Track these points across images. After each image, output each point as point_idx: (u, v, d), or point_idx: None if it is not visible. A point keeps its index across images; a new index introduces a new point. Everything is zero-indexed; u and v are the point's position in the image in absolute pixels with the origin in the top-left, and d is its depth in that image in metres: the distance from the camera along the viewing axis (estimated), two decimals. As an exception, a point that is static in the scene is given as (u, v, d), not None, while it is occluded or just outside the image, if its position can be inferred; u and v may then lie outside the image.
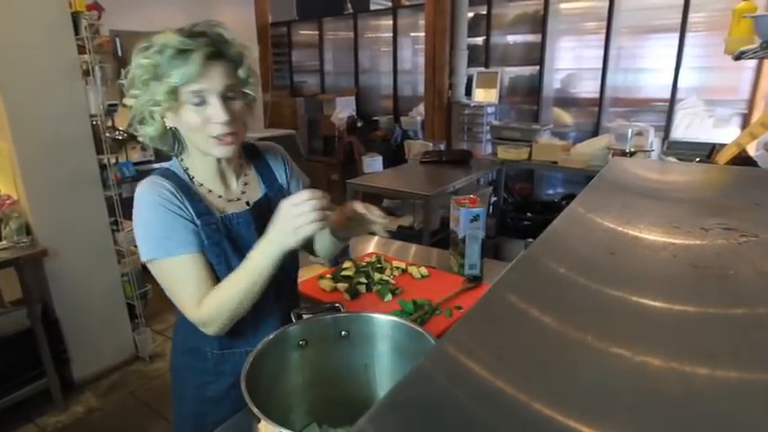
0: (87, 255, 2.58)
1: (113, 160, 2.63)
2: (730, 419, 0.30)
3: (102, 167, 2.56)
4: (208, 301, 0.97)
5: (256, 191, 1.13)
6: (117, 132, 2.62)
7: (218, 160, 1.04)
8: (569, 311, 0.44)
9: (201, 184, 1.06)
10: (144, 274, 3.03)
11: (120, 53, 4.11)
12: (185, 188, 1.02)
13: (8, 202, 2.35)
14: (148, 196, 0.98)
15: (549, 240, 0.61)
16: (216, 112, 0.94)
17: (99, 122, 2.51)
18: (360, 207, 1.04)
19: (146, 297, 2.95)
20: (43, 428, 2.37)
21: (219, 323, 0.97)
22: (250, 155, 1.16)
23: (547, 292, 0.48)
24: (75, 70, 2.42)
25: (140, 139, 1.03)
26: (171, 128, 1.00)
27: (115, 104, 2.58)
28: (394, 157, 4.96)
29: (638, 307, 0.43)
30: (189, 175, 1.05)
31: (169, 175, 1.03)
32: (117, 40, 4.00)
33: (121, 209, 2.67)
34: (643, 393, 0.32)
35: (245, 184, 1.12)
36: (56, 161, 2.39)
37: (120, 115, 2.77)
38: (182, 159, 1.07)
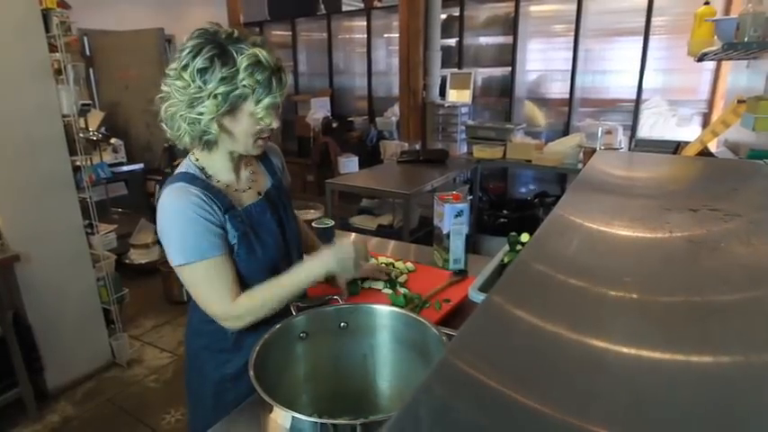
0: (61, 259, 2.50)
1: (87, 162, 2.56)
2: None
3: (76, 169, 2.49)
4: (245, 300, 1.07)
5: (263, 180, 1.23)
6: (91, 133, 2.55)
7: (238, 155, 1.13)
8: (575, 313, 0.43)
9: (218, 180, 1.12)
10: (120, 277, 2.96)
11: (88, 52, 4.00)
12: (208, 188, 1.07)
13: (-24, 205, 2.26)
14: (180, 204, 1.03)
15: (543, 241, 0.59)
16: (275, 120, 1.06)
17: (72, 123, 2.44)
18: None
19: (122, 301, 2.88)
20: (17, 439, 2.30)
21: (247, 320, 1.08)
22: None
23: (547, 296, 0.47)
24: (46, 69, 2.35)
25: (176, 142, 1.08)
26: (218, 131, 1.04)
27: (88, 104, 2.52)
28: (369, 158, 4.98)
29: (645, 295, 0.43)
30: (206, 174, 1.11)
31: (191, 178, 1.07)
32: (85, 39, 3.90)
33: (96, 211, 2.61)
34: (679, 400, 0.31)
35: (253, 172, 1.21)
36: (27, 163, 2.32)
37: (93, 116, 2.71)
38: (197, 159, 1.12)
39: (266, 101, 1.00)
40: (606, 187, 0.79)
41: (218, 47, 0.97)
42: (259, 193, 1.19)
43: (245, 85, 0.97)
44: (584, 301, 0.45)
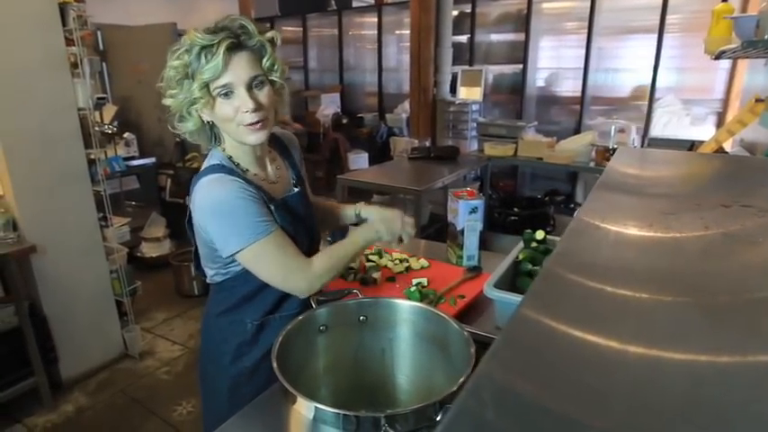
0: (75, 251, 2.53)
1: (102, 155, 2.58)
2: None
3: (91, 162, 2.51)
4: (319, 261, 1.11)
5: (286, 174, 1.23)
6: (106, 126, 2.57)
7: (254, 147, 1.10)
8: (619, 318, 0.40)
9: (247, 170, 1.13)
10: (133, 270, 2.99)
11: (101, 47, 4.03)
12: (246, 181, 1.07)
13: (-7, 197, 2.29)
14: (227, 190, 1.03)
15: (573, 245, 0.56)
16: (243, 101, 1.00)
17: (87, 116, 2.46)
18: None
19: (134, 294, 2.90)
20: (32, 429, 2.32)
21: (324, 279, 1.10)
22: (272, 142, 1.25)
23: (587, 302, 0.44)
24: (62, 63, 2.37)
25: (181, 134, 1.10)
26: (208, 122, 1.08)
27: (104, 98, 2.53)
28: (379, 154, 4.99)
29: (690, 293, 0.41)
30: (234, 163, 1.11)
31: (226, 170, 1.07)
32: (98, 33, 3.92)
33: (110, 204, 2.63)
34: (737, 404, 0.30)
35: (277, 168, 1.21)
36: (43, 155, 2.34)
37: (107, 110, 2.72)
38: (224, 149, 1.12)
39: (204, 76, 0.97)
40: (631, 186, 0.78)
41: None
42: (296, 186, 1.22)
43: (173, 66, 1.00)
44: (625, 305, 0.43)
